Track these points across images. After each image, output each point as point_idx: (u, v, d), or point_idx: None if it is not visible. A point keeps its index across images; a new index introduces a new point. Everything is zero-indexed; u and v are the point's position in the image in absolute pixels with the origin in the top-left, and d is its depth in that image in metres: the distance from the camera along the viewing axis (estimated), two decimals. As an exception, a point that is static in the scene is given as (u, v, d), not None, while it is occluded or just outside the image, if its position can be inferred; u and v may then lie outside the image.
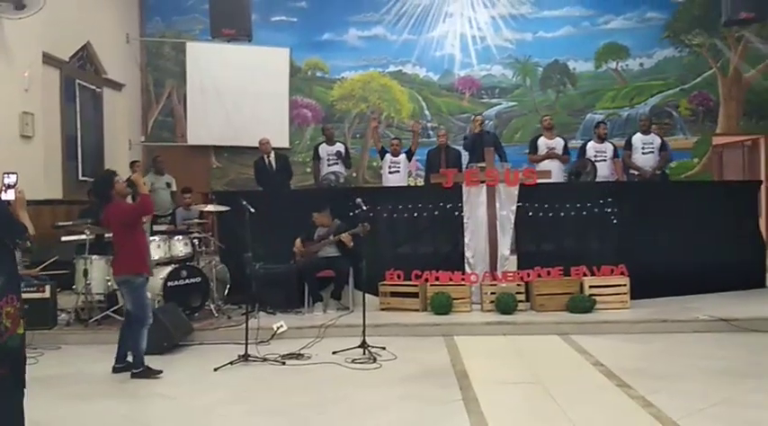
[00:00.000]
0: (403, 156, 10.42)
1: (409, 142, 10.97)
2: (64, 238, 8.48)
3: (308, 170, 12.06)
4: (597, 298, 7.75)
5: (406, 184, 10.48)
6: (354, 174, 11.05)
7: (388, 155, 10.45)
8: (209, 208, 8.68)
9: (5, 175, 3.71)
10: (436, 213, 8.70)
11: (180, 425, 4.75)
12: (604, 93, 13.35)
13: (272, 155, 10.54)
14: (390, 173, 10.39)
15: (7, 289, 3.38)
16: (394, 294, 8.16)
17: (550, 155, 10.03)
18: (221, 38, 10.68)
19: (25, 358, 3.58)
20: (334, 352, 6.40)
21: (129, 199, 6.36)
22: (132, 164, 11.15)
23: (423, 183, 11.27)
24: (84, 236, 7.83)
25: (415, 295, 8.04)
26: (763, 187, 10.43)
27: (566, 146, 10.25)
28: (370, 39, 13.60)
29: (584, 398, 5.04)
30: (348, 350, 6.40)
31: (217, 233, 9.32)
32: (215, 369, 6.00)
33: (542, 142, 10.20)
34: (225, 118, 12.83)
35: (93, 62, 12.01)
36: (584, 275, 7.96)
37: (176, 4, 13.60)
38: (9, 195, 3.61)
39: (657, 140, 10.08)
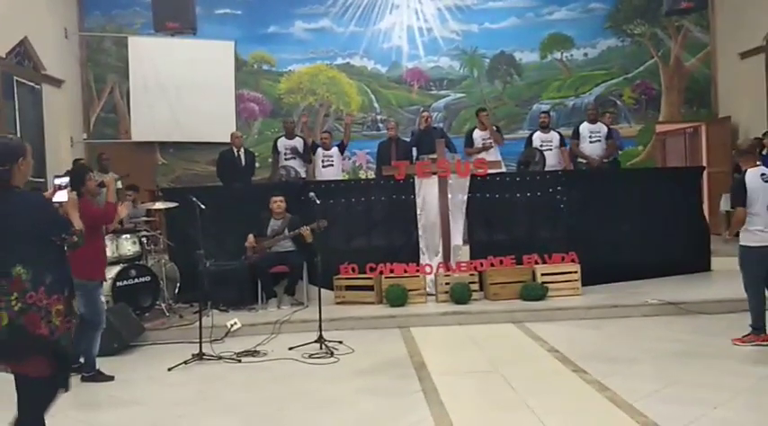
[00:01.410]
0: (335, 150, 10.41)
1: (357, 135, 10.93)
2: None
3: (258, 165, 11.89)
4: (549, 286, 7.85)
5: (340, 177, 10.43)
6: (306, 169, 10.96)
7: (319, 150, 10.41)
8: (158, 205, 8.50)
9: (56, 177, 3.77)
10: (389, 205, 8.71)
11: (135, 427, 4.64)
12: (550, 83, 13.53)
13: (243, 149, 10.42)
14: (324, 166, 10.34)
15: (56, 288, 3.39)
16: (349, 287, 8.12)
17: (486, 146, 10.10)
18: (165, 31, 10.45)
19: (72, 357, 3.61)
20: (290, 348, 6.35)
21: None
22: (75, 162, 10.84)
23: (374, 176, 11.24)
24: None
25: (370, 288, 8.02)
26: (705, 173, 10.70)
27: (498, 129, 10.34)
28: (317, 32, 13.51)
29: (542, 384, 5.09)
30: (305, 345, 6.35)
31: (165, 230, 9.14)
32: (169, 369, 5.89)
33: (477, 135, 10.28)
34: (170, 113, 12.57)
35: (32, 58, 11.63)
36: (536, 263, 8.06)
37: (116, -2, 13.28)
38: (61, 196, 3.64)
39: (604, 129, 10.25)
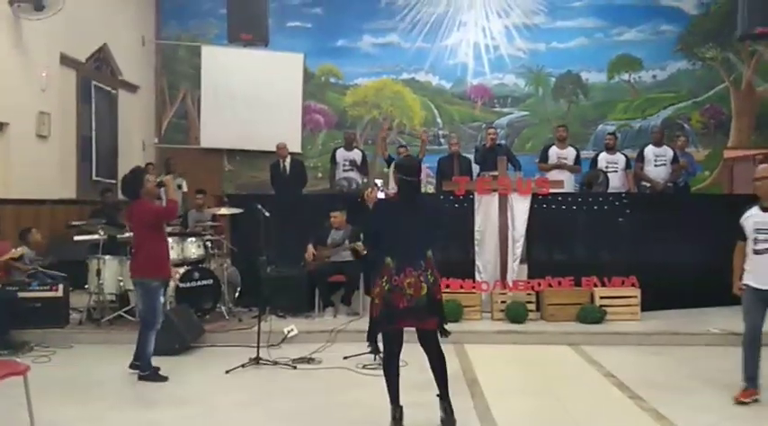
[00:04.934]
0: None
1: (418, 149, 11.00)
2: (77, 238, 8.55)
3: (320, 175, 12.11)
4: (608, 309, 7.76)
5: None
6: (365, 180, 11.07)
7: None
8: (223, 210, 8.71)
9: (375, 180, 4.67)
10: (447, 221, 8.69)
11: (193, 426, 4.78)
12: (616, 105, 13.40)
13: (288, 159, 10.58)
14: (377, 185, 10.38)
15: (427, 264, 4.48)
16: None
17: (560, 165, 9.99)
18: (239, 42, 10.74)
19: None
20: (345, 357, 6.42)
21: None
22: (147, 166, 11.18)
23: (433, 190, 11.27)
24: (97, 237, 7.88)
25: (425, 302, 8.02)
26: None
27: (578, 157, 10.19)
28: (384, 47, 13.68)
29: (596, 409, 5.05)
30: (359, 355, 6.41)
31: (229, 235, 9.36)
32: (227, 372, 6.03)
33: (553, 151, 10.13)
34: (238, 121, 12.89)
35: (110, 64, 12.10)
36: (595, 286, 7.96)
37: (192, 9, 13.71)
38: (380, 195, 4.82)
39: (670, 152, 10.05)
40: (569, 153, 10.12)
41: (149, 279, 5.88)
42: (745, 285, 5.24)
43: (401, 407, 4.52)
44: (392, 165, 4.93)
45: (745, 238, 5.25)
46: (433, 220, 4.78)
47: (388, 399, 4.54)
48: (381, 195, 4.86)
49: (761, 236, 5.08)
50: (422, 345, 4.66)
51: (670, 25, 13.24)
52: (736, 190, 13.18)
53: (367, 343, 4.76)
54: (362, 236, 4.81)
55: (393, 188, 9.90)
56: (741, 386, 5.18)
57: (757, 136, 13.07)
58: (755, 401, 5.09)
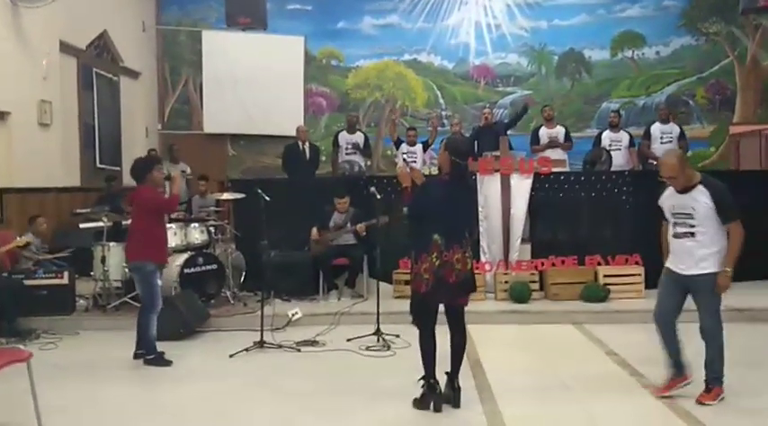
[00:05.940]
0: (419, 146, 10.43)
1: (423, 131, 10.94)
2: (82, 225, 8.60)
3: (323, 158, 12.07)
4: (611, 288, 7.75)
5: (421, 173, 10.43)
6: (368, 163, 11.05)
7: (403, 145, 10.46)
8: (226, 195, 8.74)
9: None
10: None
11: (198, 410, 4.81)
12: (620, 82, 13.30)
13: (308, 143, 10.57)
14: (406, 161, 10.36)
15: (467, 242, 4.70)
16: (408, 282, 8.12)
17: (552, 144, 9.98)
18: (237, 26, 10.70)
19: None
20: (348, 339, 6.46)
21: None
22: (149, 152, 11.21)
23: (436, 172, 11.24)
24: (101, 224, 7.92)
25: (428, 283, 8.04)
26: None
27: (567, 134, 10.19)
28: (385, 28, 13.60)
29: (598, 387, 5.07)
30: (362, 337, 6.45)
31: (233, 220, 9.39)
32: (231, 356, 6.08)
33: (543, 132, 10.15)
34: (240, 106, 12.86)
35: (110, 50, 12.08)
36: (599, 264, 7.97)
37: (193, -7, 13.65)
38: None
39: (676, 129, 10.02)
40: (558, 131, 10.15)
41: (144, 262, 5.91)
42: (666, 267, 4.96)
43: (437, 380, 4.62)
44: (441, 145, 4.89)
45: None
46: (471, 204, 5.41)
47: (424, 374, 4.64)
48: (408, 171, 5.12)
49: (678, 221, 4.77)
50: (449, 320, 4.72)
51: (673, 0, 13.11)
52: (742, 165, 13.13)
53: (412, 319, 4.76)
54: (407, 211, 4.78)
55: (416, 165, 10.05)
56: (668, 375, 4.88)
57: (763, 110, 12.95)
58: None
